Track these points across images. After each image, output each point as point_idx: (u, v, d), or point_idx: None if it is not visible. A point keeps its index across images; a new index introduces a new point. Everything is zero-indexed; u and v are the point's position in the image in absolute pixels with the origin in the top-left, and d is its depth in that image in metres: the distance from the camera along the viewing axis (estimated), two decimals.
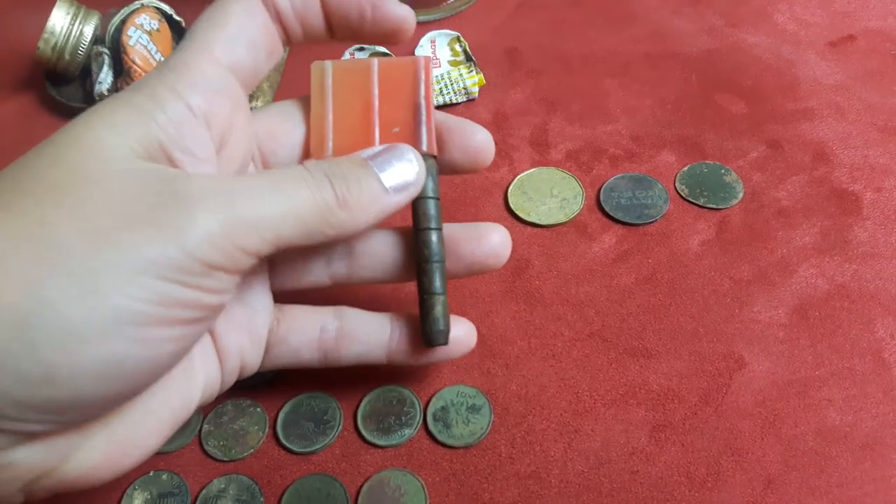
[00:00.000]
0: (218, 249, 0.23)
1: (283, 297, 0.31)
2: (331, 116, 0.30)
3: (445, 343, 0.30)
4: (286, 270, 0.31)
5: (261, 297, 0.30)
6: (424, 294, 0.30)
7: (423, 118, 0.30)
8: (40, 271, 0.20)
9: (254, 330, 0.30)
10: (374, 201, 0.27)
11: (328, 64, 0.30)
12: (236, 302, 0.29)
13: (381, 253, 0.31)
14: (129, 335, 0.21)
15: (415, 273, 0.31)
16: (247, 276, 0.29)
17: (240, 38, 0.27)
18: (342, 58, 0.46)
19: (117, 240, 0.21)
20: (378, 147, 0.28)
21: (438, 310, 0.30)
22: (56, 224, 0.21)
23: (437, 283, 0.30)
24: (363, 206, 0.26)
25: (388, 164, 0.28)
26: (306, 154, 0.30)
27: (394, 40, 0.29)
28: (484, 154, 0.31)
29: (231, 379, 0.30)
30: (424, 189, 0.29)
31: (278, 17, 0.28)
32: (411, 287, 0.35)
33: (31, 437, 0.22)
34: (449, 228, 0.31)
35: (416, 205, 0.30)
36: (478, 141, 0.31)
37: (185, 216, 0.22)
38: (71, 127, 0.24)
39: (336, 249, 0.31)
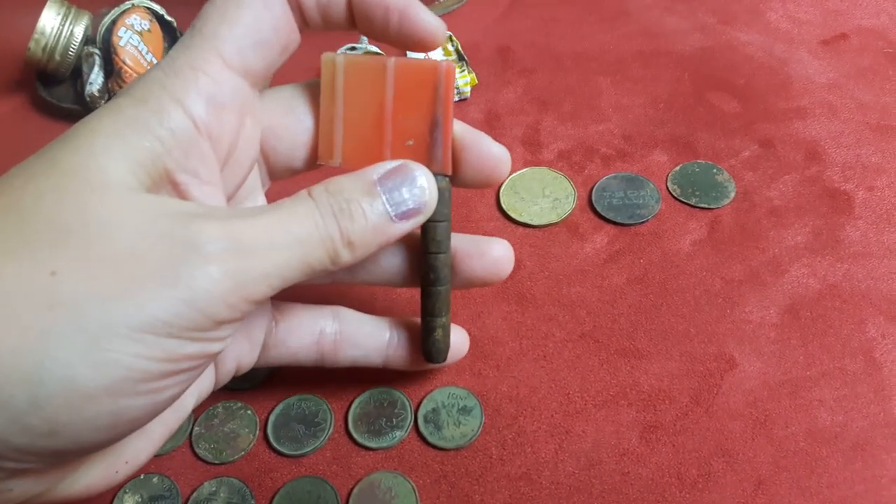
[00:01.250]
0: (227, 305, 0.22)
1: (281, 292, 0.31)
2: (341, 119, 0.28)
3: (444, 361, 0.31)
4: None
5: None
6: (428, 316, 0.30)
7: (440, 134, 0.27)
8: (48, 325, 0.20)
9: (252, 335, 0.30)
10: (377, 234, 0.25)
11: (340, 59, 0.27)
12: None
13: (385, 258, 0.31)
14: (135, 390, 0.21)
15: (417, 281, 0.30)
16: None
17: (253, 36, 0.25)
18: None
19: (125, 295, 0.21)
20: (389, 164, 0.26)
21: (439, 333, 0.30)
22: (64, 275, 0.20)
23: (441, 306, 0.30)
24: (366, 242, 0.25)
25: (397, 189, 0.26)
26: (314, 155, 0.28)
27: (422, 48, 0.27)
28: (499, 170, 0.29)
29: (224, 380, 0.30)
30: (437, 213, 0.27)
31: (298, 6, 0.26)
32: (411, 290, 0.35)
33: (26, 472, 0.22)
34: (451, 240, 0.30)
35: (426, 227, 0.28)
36: (494, 156, 0.29)
37: (193, 271, 0.21)
38: (72, 149, 0.22)
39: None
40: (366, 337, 0.32)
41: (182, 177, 0.24)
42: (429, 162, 0.27)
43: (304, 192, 0.25)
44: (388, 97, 0.27)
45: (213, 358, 0.24)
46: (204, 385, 0.29)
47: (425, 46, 0.27)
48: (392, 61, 0.27)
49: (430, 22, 0.26)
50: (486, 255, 0.31)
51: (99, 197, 0.22)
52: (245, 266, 0.22)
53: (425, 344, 0.31)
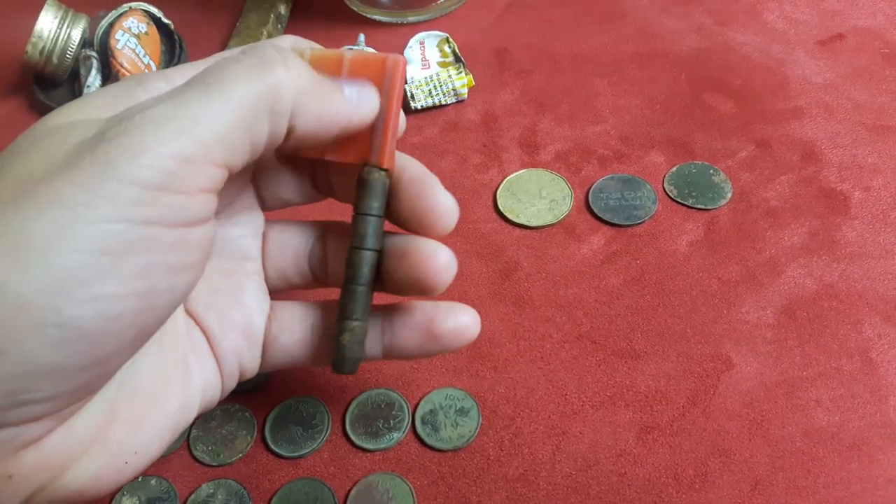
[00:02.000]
0: (157, 169, 0.20)
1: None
2: None
3: (351, 372, 0.28)
4: (271, 274, 0.30)
5: (257, 298, 0.29)
6: (340, 317, 0.28)
7: (381, 124, 0.27)
8: None
9: (250, 331, 0.29)
10: (327, 89, 0.25)
11: (307, 51, 0.27)
12: (232, 304, 0.29)
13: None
14: (75, 294, 0.19)
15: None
16: (241, 276, 0.29)
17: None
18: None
19: (41, 191, 0.20)
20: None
21: (347, 337, 0.27)
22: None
23: (357, 307, 0.27)
24: (313, 86, 0.24)
25: (341, 80, 0.26)
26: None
27: None
28: (437, 220, 0.28)
29: (231, 383, 0.29)
30: (364, 205, 0.27)
31: None
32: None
33: (14, 437, 0.21)
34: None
35: (355, 220, 0.27)
36: (434, 204, 0.27)
37: (109, 149, 0.20)
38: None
39: (314, 253, 0.30)
40: None
41: None
42: (367, 152, 0.27)
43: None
44: (345, 67, 0.27)
45: (175, 257, 0.22)
46: (209, 382, 0.28)
47: None
48: (349, 53, 0.27)
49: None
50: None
51: (36, 130, 0.22)
52: (160, 119, 0.21)
53: (333, 348, 0.28)
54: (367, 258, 0.27)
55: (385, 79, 0.27)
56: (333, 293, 0.30)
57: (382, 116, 0.27)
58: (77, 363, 0.21)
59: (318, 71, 0.26)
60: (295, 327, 0.29)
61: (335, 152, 0.27)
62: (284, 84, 0.23)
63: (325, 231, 0.31)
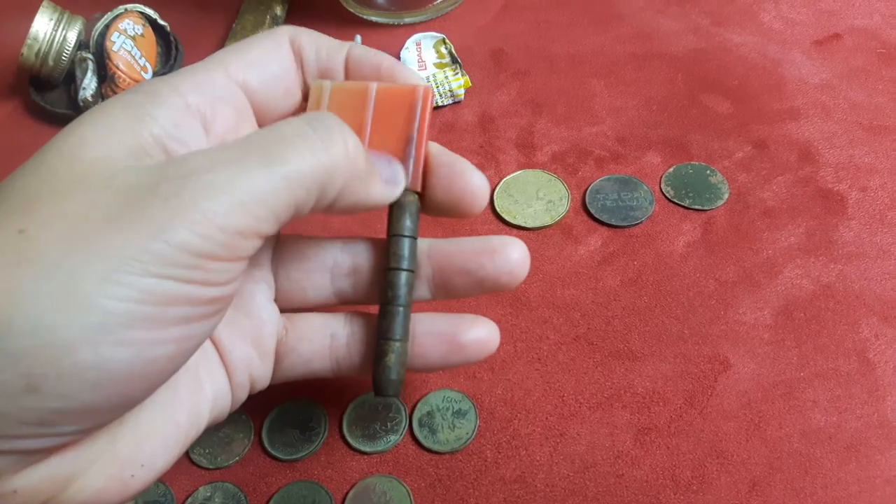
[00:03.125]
0: (206, 238, 0.21)
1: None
2: None
3: (395, 395, 0.28)
4: (289, 287, 0.30)
5: (266, 307, 0.29)
6: (381, 338, 0.28)
7: (413, 150, 0.28)
8: (17, 279, 0.20)
9: (261, 342, 0.29)
10: (371, 175, 0.26)
11: (327, 84, 0.28)
12: (241, 314, 0.28)
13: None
14: (116, 338, 0.20)
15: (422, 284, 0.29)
16: (250, 286, 0.29)
17: (258, 65, 0.27)
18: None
19: (94, 239, 0.20)
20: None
21: (391, 358, 0.27)
22: (31, 232, 0.20)
23: (397, 328, 0.28)
24: (364, 172, 0.25)
25: (377, 159, 0.27)
26: None
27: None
28: (473, 200, 0.28)
29: (241, 395, 0.29)
30: (401, 227, 0.28)
31: (301, 65, 0.28)
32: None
33: (29, 456, 0.21)
34: (458, 242, 0.29)
35: (392, 241, 0.28)
36: (469, 185, 0.28)
37: (162, 212, 0.21)
38: (61, 132, 0.23)
39: (339, 266, 0.30)
40: None
41: (171, 144, 0.24)
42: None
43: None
44: (368, 119, 0.28)
45: (210, 311, 0.22)
46: (220, 393, 0.28)
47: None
48: (374, 85, 0.28)
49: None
50: (496, 253, 0.29)
51: (75, 163, 0.22)
52: (220, 195, 0.21)
53: (375, 371, 0.28)
54: (406, 279, 0.28)
55: (415, 108, 0.28)
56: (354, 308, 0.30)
57: (413, 143, 0.28)
58: (107, 404, 0.21)
59: (340, 105, 0.28)
60: (314, 336, 0.29)
61: None
62: (341, 168, 0.24)
63: (347, 247, 0.30)
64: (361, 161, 0.25)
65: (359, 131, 0.28)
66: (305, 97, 0.29)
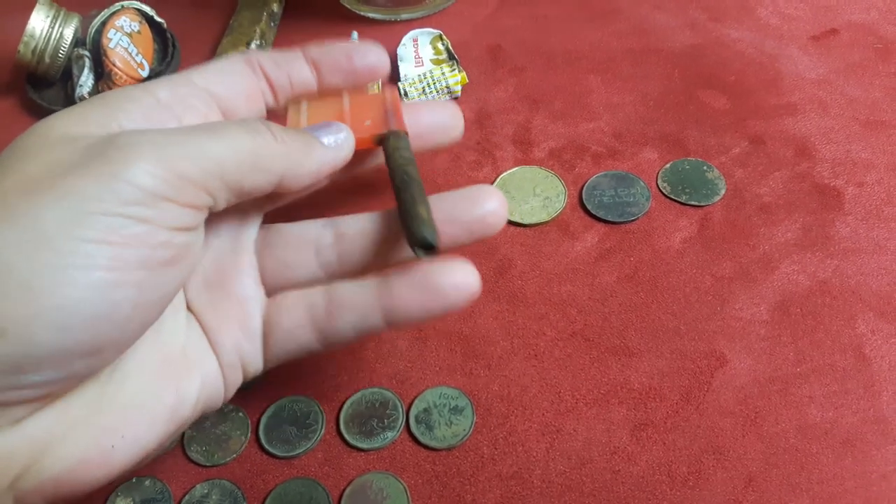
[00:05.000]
0: (160, 179, 0.23)
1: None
2: (304, 117, 0.31)
3: (436, 245, 0.27)
4: (275, 267, 0.30)
5: (250, 287, 0.30)
6: (407, 203, 0.28)
7: (391, 112, 0.32)
8: None
9: (247, 322, 0.29)
10: (309, 146, 0.28)
11: (304, 104, 0.32)
12: (226, 297, 0.29)
13: (369, 235, 0.30)
14: (79, 279, 0.21)
15: (405, 247, 0.29)
16: (234, 269, 0.29)
17: (218, 76, 0.29)
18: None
19: (56, 185, 0.22)
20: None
21: (423, 210, 0.28)
22: (9, 191, 0.22)
23: (419, 194, 0.28)
24: (299, 148, 0.28)
25: (320, 129, 0.29)
26: None
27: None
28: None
29: (234, 379, 0.29)
30: (401, 147, 0.30)
31: (265, 74, 0.31)
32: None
33: (2, 412, 0.22)
34: (442, 196, 0.30)
35: (392, 155, 0.30)
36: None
37: (121, 156, 0.23)
38: (38, 122, 0.25)
39: (323, 238, 0.30)
40: (357, 298, 0.29)
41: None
42: (386, 126, 0.31)
43: None
44: (346, 108, 0.32)
45: (171, 257, 0.24)
46: (209, 376, 0.28)
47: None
48: (346, 99, 0.32)
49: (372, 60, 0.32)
50: (478, 200, 0.30)
51: (38, 139, 0.24)
52: (172, 147, 0.24)
53: (413, 226, 0.27)
54: (413, 170, 0.29)
55: (388, 110, 0.32)
56: None
57: (391, 112, 0.32)
58: (76, 348, 0.22)
59: (319, 112, 0.31)
60: (294, 305, 0.29)
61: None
62: (270, 145, 0.27)
63: (330, 222, 0.31)
64: (291, 137, 0.28)
65: (339, 115, 0.31)
66: (284, 112, 0.32)
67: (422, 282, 0.28)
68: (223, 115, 0.29)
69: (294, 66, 0.31)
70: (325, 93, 0.32)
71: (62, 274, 0.21)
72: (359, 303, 0.29)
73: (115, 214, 0.22)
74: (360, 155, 0.31)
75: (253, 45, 0.47)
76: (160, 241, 0.23)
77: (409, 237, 0.27)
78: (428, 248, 0.27)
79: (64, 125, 0.25)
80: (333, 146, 0.29)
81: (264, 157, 0.26)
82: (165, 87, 0.28)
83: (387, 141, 0.31)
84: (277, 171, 0.27)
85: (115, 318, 0.23)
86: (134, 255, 0.22)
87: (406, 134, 0.31)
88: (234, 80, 0.30)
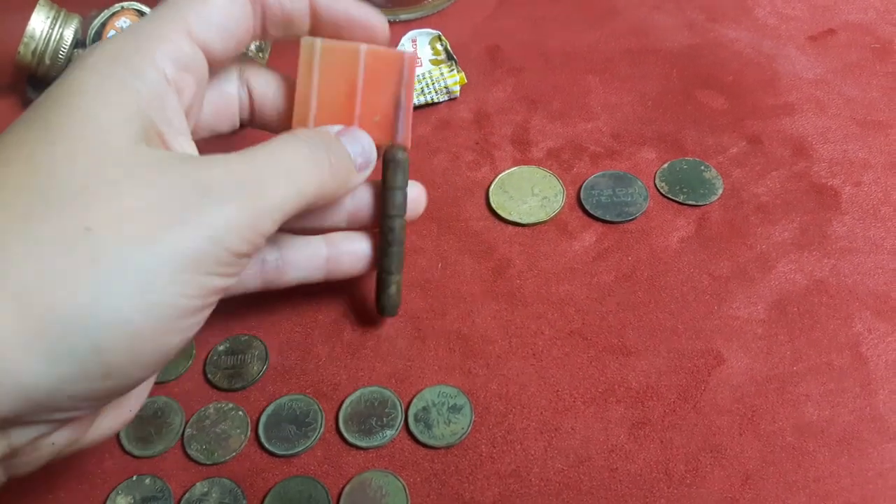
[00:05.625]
0: (245, 240, 0.25)
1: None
2: (315, 94, 0.31)
3: (395, 314, 0.35)
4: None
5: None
6: (384, 273, 0.33)
7: (402, 113, 0.32)
8: (97, 277, 0.22)
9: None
10: (348, 173, 0.30)
11: (318, 42, 0.31)
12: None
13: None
14: (175, 327, 0.24)
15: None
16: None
17: (219, 22, 0.28)
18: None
19: (159, 240, 0.23)
20: (338, 127, 0.31)
21: (393, 289, 0.34)
22: (99, 230, 0.22)
23: (397, 264, 0.33)
24: (343, 177, 0.30)
25: (352, 143, 0.30)
26: (289, 125, 0.32)
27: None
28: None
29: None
30: (396, 181, 0.32)
31: (263, 12, 0.29)
32: None
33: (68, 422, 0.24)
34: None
35: (385, 195, 0.32)
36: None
37: (211, 210, 0.24)
38: (67, 112, 0.24)
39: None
40: (305, 257, 0.33)
41: (163, 127, 0.26)
42: (392, 136, 0.32)
43: (285, 134, 0.28)
44: (360, 77, 0.31)
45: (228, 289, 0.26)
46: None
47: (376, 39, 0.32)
48: (364, 47, 0.31)
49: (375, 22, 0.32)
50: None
51: (111, 158, 0.24)
52: (254, 202, 0.25)
53: (381, 299, 0.34)
54: (400, 224, 0.33)
55: (403, 72, 0.32)
56: None
57: (402, 107, 0.32)
58: (151, 375, 0.27)
59: (331, 65, 0.31)
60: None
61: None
62: (329, 183, 0.29)
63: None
64: (343, 171, 0.30)
65: (352, 90, 0.31)
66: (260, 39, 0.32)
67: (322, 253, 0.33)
68: (210, 64, 0.29)
69: (297, 2, 0.30)
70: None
71: (165, 324, 0.23)
72: (309, 265, 0.33)
73: (210, 273, 0.24)
74: None
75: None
76: (230, 285, 0.26)
77: (377, 303, 0.34)
78: (388, 316, 0.34)
79: (106, 123, 0.24)
80: (363, 171, 0.31)
81: (320, 197, 0.28)
82: (168, 59, 0.27)
83: (385, 164, 0.33)
84: (322, 203, 0.29)
85: (183, 346, 0.25)
86: (212, 301, 0.25)
87: (407, 153, 0.33)
88: (232, 26, 0.29)
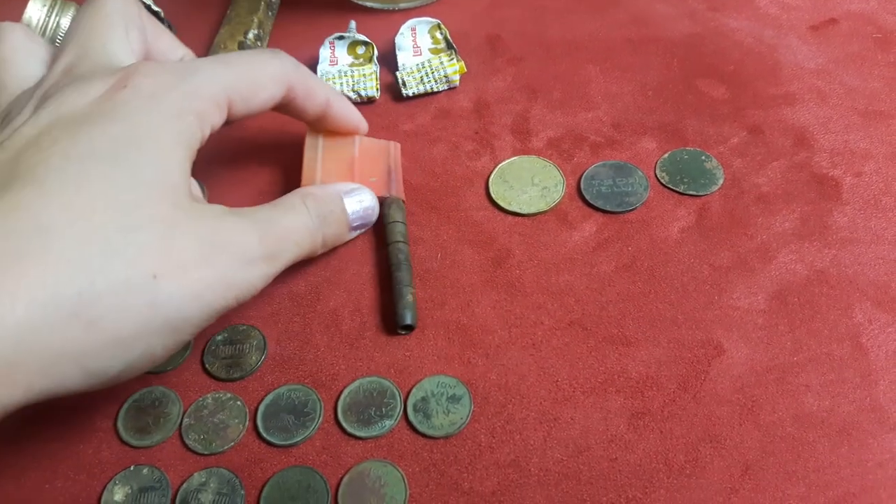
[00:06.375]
0: (248, 295, 0.30)
1: None
2: (320, 162, 0.38)
3: (415, 326, 0.35)
4: None
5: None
6: (398, 285, 0.36)
7: (394, 174, 0.40)
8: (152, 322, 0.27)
9: None
10: (340, 238, 0.37)
11: (320, 138, 0.40)
12: None
13: None
14: (184, 339, 0.29)
15: None
16: None
17: (255, 104, 0.34)
18: (322, 44, 0.46)
19: (197, 295, 0.28)
20: (350, 185, 0.37)
21: (409, 298, 0.35)
22: (162, 281, 0.27)
23: (410, 279, 0.36)
24: (332, 243, 0.36)
25: (354, 205, 0.36)
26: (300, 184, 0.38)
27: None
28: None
29: None
30: (394, 216, 0.38)
31: (287, 97, 0.36)
32: None
33: None
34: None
35: (390, 227, 0.38)
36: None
37: (246, 275, 0.30)
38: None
39: None
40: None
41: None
42: (388, 191, 0.39)
43: (296, 198, 0.34)
44: (356, 152, 0.39)
45: None
46: None
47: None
48: (357, 138, 0.40)
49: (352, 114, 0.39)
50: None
51: (171, 199, 0.28)
52: (273, 267, 0.31)
53: (398, 308, 0.35)
54: (405, 249, 0.37)
55: (390, 153, 0.41)
56: None
57: (392, 172, 0.40)
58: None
59: (331, 149, 0.39)
60: None
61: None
62: (330, 240, 0.36)
63: None
64: (334, 239, 0.36)
65: (350, 160, 0.39)
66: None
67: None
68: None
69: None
70: (338, 133, 0.40)
71: (176, 347, 0.29)
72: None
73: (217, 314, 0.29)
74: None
75: (251, 35, 0.47)
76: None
77: (396, 315, 0.35)
78: (408, 328, 0.35)
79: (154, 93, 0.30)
80: (358, 230, 0.38)
81: (313, 253, 0.35)
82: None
83: (385, 208, 0.39)
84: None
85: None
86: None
87: (403, 202, 0.39)
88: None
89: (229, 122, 0.33)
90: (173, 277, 0.26)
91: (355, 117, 0.39)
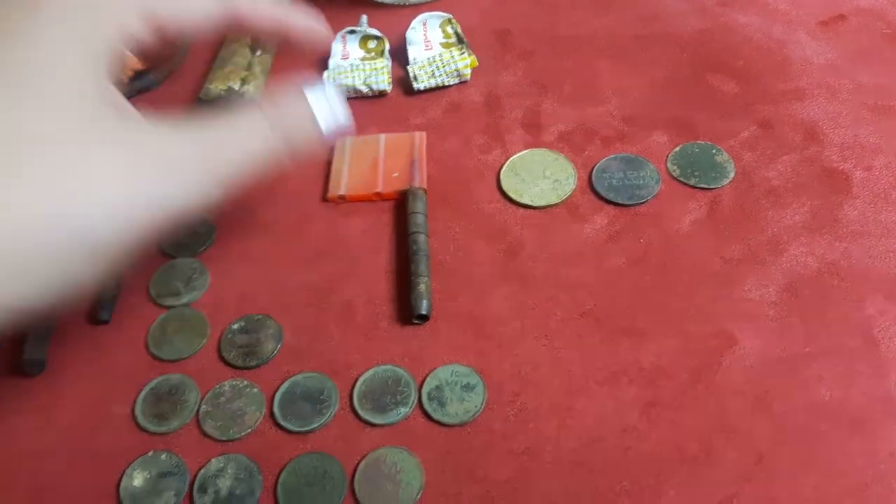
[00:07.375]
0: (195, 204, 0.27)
1: None
2: (346, 168, 0.41)
3: (429, 316, 0.35)
4: None
5: None
6: (413, 276, 0.36)
7: (417, 166, 0.41)
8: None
9: None
10: (309, 140, 0.31)
11: (348, 140, 0.43)
12: None
13: None
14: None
15: None
16: None
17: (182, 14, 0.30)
18: (335, 36, 0.47)
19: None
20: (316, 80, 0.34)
21: (422, 287, 0.36)
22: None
23: (423, 267, 0.36)
24: (299, 146, 0.31)
25: (318, 91, 0.31)
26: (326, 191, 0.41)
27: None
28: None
29: None
30: (416, 206, 0.39)
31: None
32: None
33: None
34: None
35: (410, 218, 0.38)
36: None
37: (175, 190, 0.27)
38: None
39: None
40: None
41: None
42: (410, 182, 0.40)
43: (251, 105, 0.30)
44: (381, 152, 0.42)
45: None
46: None
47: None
48: (384, 136, 0.43)
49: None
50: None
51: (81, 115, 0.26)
52: (218, 178, 0.28)
53: (412, 297, 0.35)
54: (424, 240, 0.38)
55: (414, 149, 0.42)
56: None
57: (416, 162, 0.41)
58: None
59: (359, 148, 0.42)
60: None
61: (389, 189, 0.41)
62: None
63: None
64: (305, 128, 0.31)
65: (375, 161, 0.42)
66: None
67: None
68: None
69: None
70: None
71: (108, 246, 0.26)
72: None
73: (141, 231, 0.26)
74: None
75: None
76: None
77: (410, 305, 0.35)
78: (422, 317, 0.35)
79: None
80: (334, 128, 0.31)
81: (276, 163, 0.30)
82: None
83: (407, 199, 0.40)
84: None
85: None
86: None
87: (425, 191, 0.40)
88: None
89: (165, 37, 0.30)
90: (83, 197, 0.25)
91: (316, 27, 0.36)
